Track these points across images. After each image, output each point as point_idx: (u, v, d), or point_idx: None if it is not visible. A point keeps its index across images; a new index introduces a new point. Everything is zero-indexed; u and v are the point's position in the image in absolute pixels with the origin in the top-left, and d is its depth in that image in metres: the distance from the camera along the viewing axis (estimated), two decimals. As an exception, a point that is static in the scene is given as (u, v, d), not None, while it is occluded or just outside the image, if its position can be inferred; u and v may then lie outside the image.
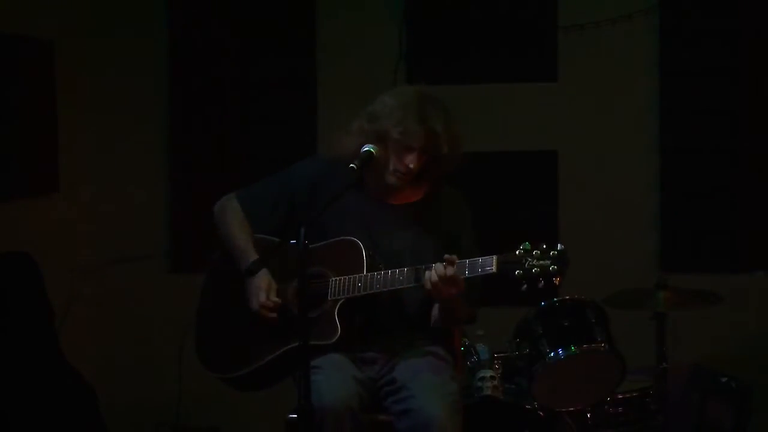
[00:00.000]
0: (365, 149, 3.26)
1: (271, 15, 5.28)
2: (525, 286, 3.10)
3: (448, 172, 3.40)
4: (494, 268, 3.13)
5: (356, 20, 5.26)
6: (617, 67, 5.15)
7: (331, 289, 3.29)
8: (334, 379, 3.15)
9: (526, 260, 3.09)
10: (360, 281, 3.26)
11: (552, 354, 3.70)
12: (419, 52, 5.21)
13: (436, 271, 3.13)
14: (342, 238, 3.34)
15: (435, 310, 3.36)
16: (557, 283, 3.08)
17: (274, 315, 3.31)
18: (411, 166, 3.29)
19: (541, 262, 3.08)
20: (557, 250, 3.08)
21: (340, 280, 3.29)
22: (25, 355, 4.48)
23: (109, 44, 5.34)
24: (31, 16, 4.93)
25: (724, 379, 4.45)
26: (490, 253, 3.17)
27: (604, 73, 5.16)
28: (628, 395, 3.99)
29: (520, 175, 5.20)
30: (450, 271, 3.13)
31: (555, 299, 3.83)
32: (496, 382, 3.75)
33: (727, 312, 4.39)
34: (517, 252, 3.11)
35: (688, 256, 5.06)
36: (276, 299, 3.32)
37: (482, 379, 3.75)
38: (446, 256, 3.15)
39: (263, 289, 3.32)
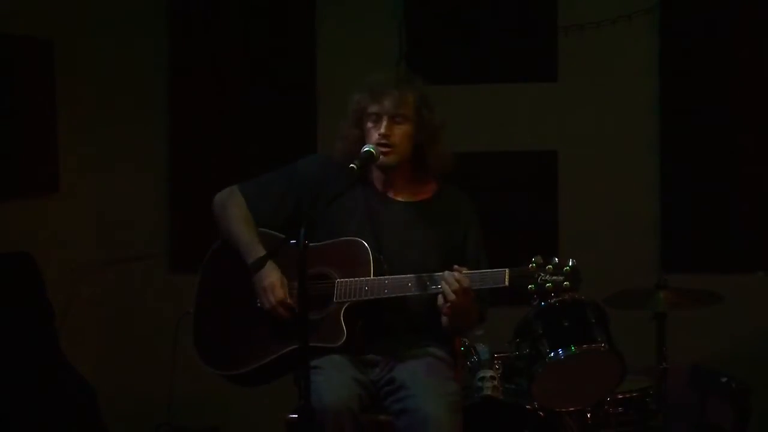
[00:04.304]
0: (365, 149, 3.27)
1: (271, 15, 5.28)
2: (537, 300, 3.09)
3: (433, 143, 3.40)
4: (506, 282, 3.12)
5: (356, 20, 5.26)
6: (617, 67, 5.15)
7: (336, 291, 3.29)
8: (334, 379, 3.15)
9: (539, 275, 3.09)
10: (367, 285, 3.25)
11: (552, 354, 3.70)
12: (419, 52, 5.21)
13: (449, 284, 3.13)
14: (348, 238, 3.34)
15: (444, 320, 3.35)
16: (568, 298, 3.09)
17: (288, 314, 3.29)
18: (383, 131, 3.31)
19: (554, 277, 3.08)
20: (570, 266, 3.08)
21: (346, 282, 3.28)
22: (25, 355, 4.48)
23: (109, 44, 5.34)
24: (30, 16, 4.93)
25: (724, 379, 4.45)
26: (495, 256, 3.17)
27: (604, 73, 5.16)
28: (628, 395, 3.99)
29: (520, 175, 5.20)
30: (466, 282, 3.12)
31: (555, 299, 3.82)
32: (496, 382, 3.74)
33: (727, 312, 4.39)
34: (529, 266, 3.10)
35: (688, 256, 5.05)
36: (290, 302, 3.31)
37: (482, 379, 3.75)
38: (455, 267, 3.16)
39: (278, 286, 3.31)
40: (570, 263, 3.08)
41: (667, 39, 5.09)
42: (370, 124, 3.36)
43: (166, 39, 5.34)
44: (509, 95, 5.20)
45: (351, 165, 3.22)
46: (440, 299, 3.19)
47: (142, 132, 5.39)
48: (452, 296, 3.14)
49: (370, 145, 3.28)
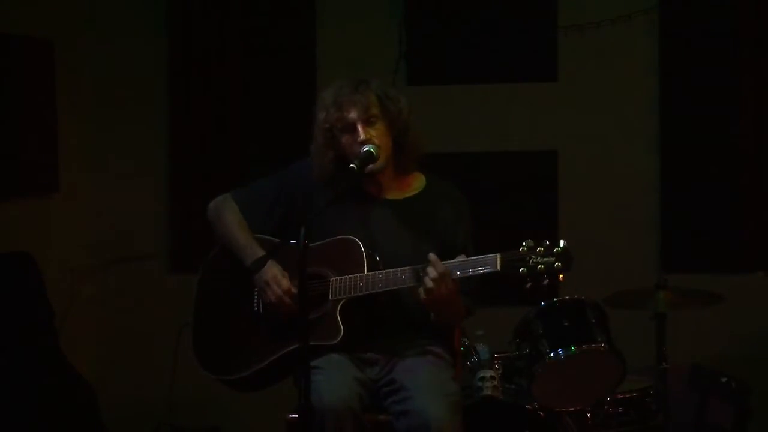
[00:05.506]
0: (365, 149, 3.27)
1: (271, 15, 5.28)
2: (529, 284, 3.09)
3: (407, 130, 3.39)
4: (498, 266, 3.12)
5: (356, 20, 5.26)
6: (617, 67, 5.16)
7: (332, 289, 3.29)
8: (334, 379, 3.14)
9: (530, 258, 3.08)
10: (361, 281, 3.25)
11: (552, 354, 3.70)
12: (419, 52, 5.21)
13: (429, 274, 3.13)
14: (341, 237, 3.34)
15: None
16: (561, 280, 3.08)
17: (294, 305, 3.26)
18: (362, 137, 3.30)
19: (545, 259, 3.07)
20: (560, 247, 3.07)
21: (340, 280, 3.28)
22: (25, 356, 4.48)
23: (109, 44, 5.34)
24: (30, 16, 4.93)
25: (724, 379, 4.44)
26: (489, 251, 3.17)
27: (604, 73, 5.16)
28: (628, 395, 3.99)
29: (520, 175, 5.20)
30: (441, 268, 3.12)
31: (555, 299, 3.83)
32: (496, 382, 3.74)
33: (727, 312, 4.39)
34: (520, 249, 3.10)
35: (688, 256, 5.05)
36: (294, 290, 3.29)
37: (482, 379, 3.75)
38: (430, 255, 3.15)
39: (280, 277, 3.30)
40: (561, 244, 3.08)
41: (667, 39, 5.09)
42: (346, 137, 3.34)
43: (166, 39, 5.34)
44: (509, 95, 5.20)
45: (351, 165, 3.22)
46: (420, 291, 3.17)
47: (142, 132, 5.39)
48: (430, 284, 3.12)
49: (370, 145, 3.28)
